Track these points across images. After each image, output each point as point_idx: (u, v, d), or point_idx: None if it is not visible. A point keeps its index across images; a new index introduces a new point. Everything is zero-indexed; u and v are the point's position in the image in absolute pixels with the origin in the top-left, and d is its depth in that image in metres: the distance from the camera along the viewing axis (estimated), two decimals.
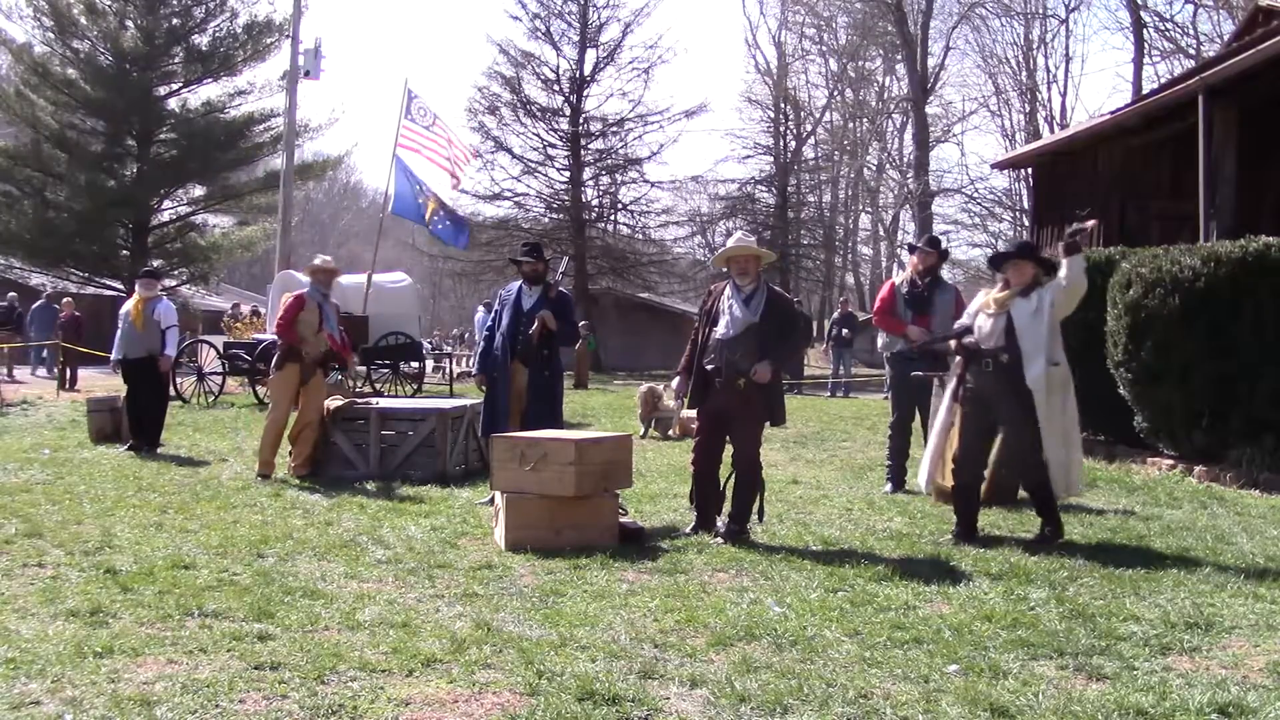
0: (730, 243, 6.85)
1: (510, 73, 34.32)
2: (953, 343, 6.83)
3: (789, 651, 4.25)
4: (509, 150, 34.61)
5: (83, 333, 20.91)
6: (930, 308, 8.45)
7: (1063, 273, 6.42)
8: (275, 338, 9.38)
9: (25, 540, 6.17)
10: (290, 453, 9.03)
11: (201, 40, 31.29)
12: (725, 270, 6.84)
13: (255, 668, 3.98)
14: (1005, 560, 5.88)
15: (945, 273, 9.42)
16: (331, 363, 9.25)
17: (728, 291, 6.65)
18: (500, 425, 7.67)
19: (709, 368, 6.57)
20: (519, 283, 8.04)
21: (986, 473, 6.92)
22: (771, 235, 37.82)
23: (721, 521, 6.59)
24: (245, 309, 21.14)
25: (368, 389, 17.42)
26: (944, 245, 9.71)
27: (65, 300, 22.37)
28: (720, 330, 6.52)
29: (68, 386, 18.47)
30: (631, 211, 36.25)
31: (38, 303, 23.81)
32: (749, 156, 41.55)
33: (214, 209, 32.88)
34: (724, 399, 6.52)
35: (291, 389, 8.99)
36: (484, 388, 8.08)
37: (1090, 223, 6.99)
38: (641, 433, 12.20)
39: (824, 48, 45.81)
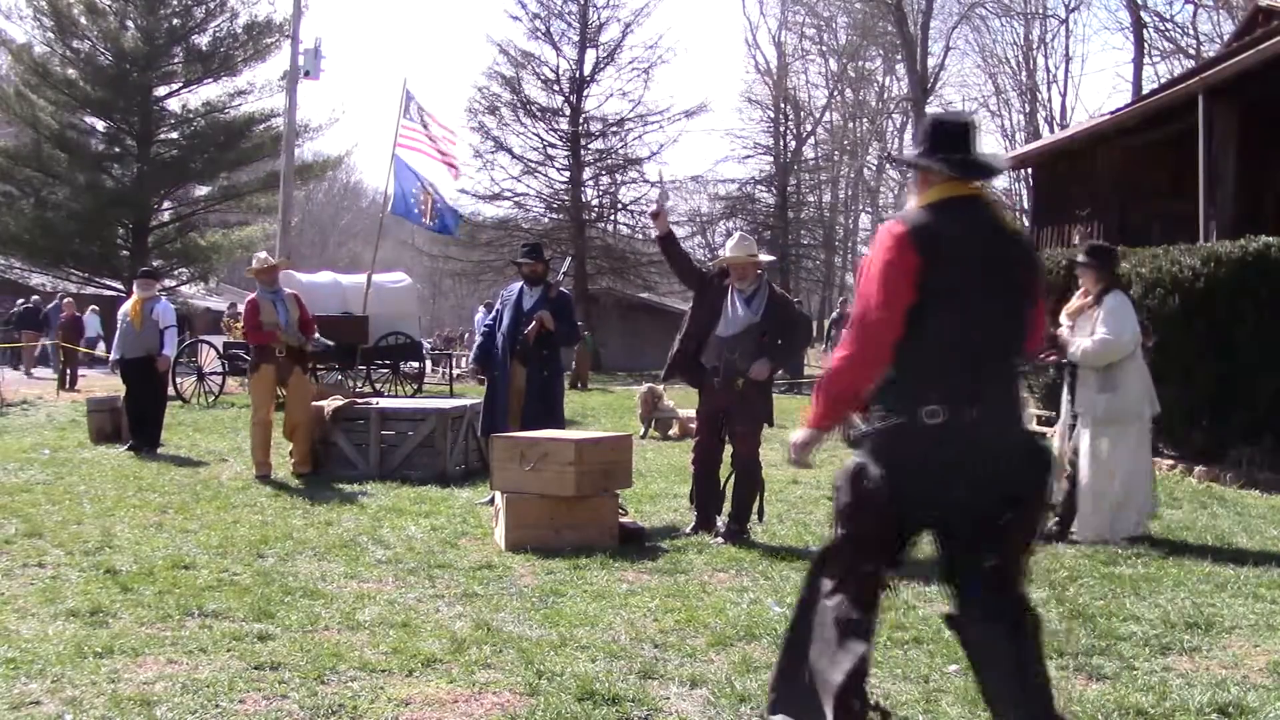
0: (730, 244, 6.82)
1: (510, 73, 34.28)
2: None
3: None
4: (509, 150, 34.55)
5: (82, 332, 20.92)
6: None
7: (1074, 349, 6.43)
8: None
9: (25, 540, 6.17)
10: (290, 452, 9.05)
11: (201, 40, 31.30)
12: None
13: (255, 668, 3.98)
14: None
15: None
16: (310, 361, 9.20)
17: (730, 291, 6.63)
18: (499, 425, 7.69)
19: (707, 366, 6.55)
20: (520, 283, 8.05)
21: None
22: (771, 235, 37.77)
23: (721, 521, 6.58)
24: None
25: (368, 389, 17.42)
26: None
27: (66, 300, 22.37)
28: (720, 329, 6.50)
29: (67, 386, 18.46)
30: (631, 211, 36.19)
31: (52, 303, 23.99)
32: (749, 156, 41.53)
33: (214, 209, 32.88)
34: (723, 399, 6.51)
35: (268, 389, 9.00)
36: (481, 380, 8.12)
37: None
38: (641, 433, 12.20)
39: (824, 48, 45.82)
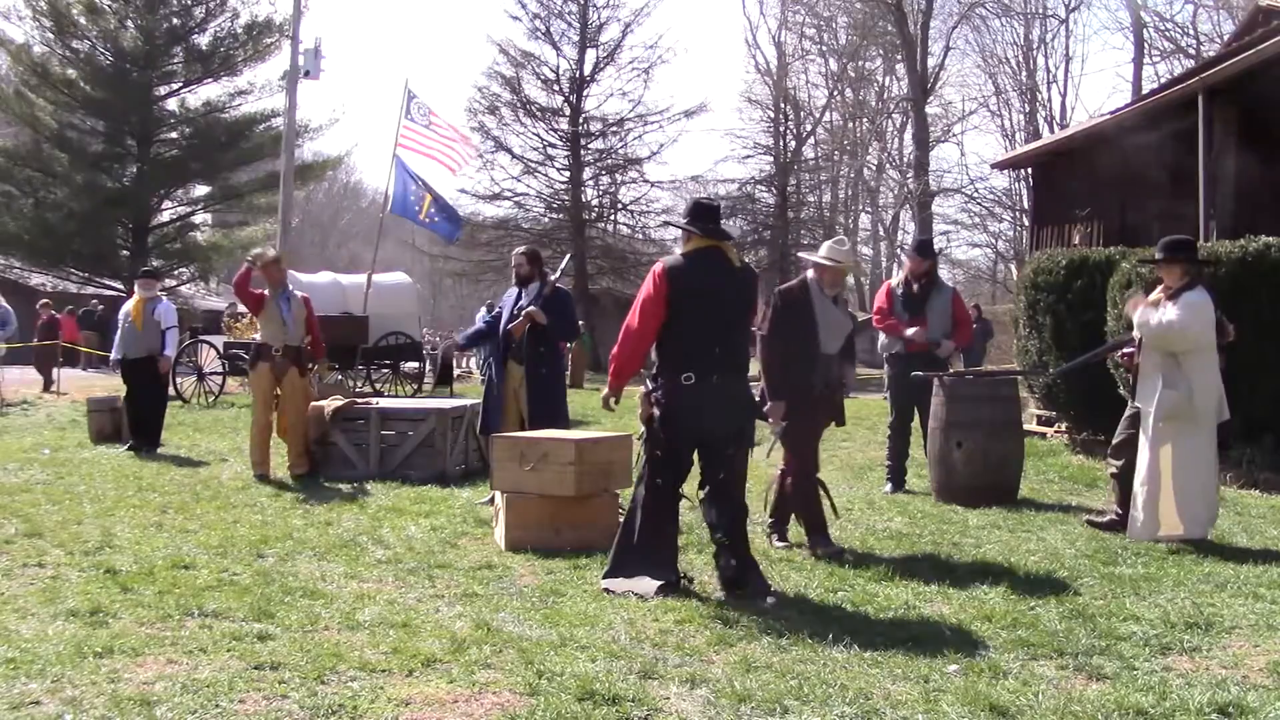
0: (828, 247, 6.41)
1: (510, 73, 34.26)
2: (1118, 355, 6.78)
3: (789, 651, 4.25)
4: (509, 150, 34.53)
5: (60, 334, 20.58)
6: (925, 308, 8.44)
7: (1149, 319, 6.30)
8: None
9: (25, 540, 6.17)
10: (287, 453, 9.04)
11: (201, 40, 31.34)
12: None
13: (255, 668, 3.97)
14: (1005, 560, 5.88)
15: (944, 273, 9.43)
16: (309, 361, 9.12)
17: (817, 300, 6.20)
18: (494, 424, 7.69)
19: (814, 384, 6.14)
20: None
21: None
22: (771, 235, 37.75)
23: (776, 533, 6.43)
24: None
25: (368, 389, 17.43)
26: (936, 249, 9.62)
27: (42, 303, 22.00)
28: (825, 344, 6.14)
29: (49, 388, 18.09)
30: (631, 211, 36.20)
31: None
32: (749, 156, 41.41)
33: (214, 209, 32.89)
34: (825, 412, 6.29)
35: (266, 388, 8.94)
36: (462, 350, 8.25)
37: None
38: (642, 433, 12.15)
39: (824, 48, 45.73)
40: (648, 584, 5.07)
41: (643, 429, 5.33)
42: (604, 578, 5.24)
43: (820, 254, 6.34)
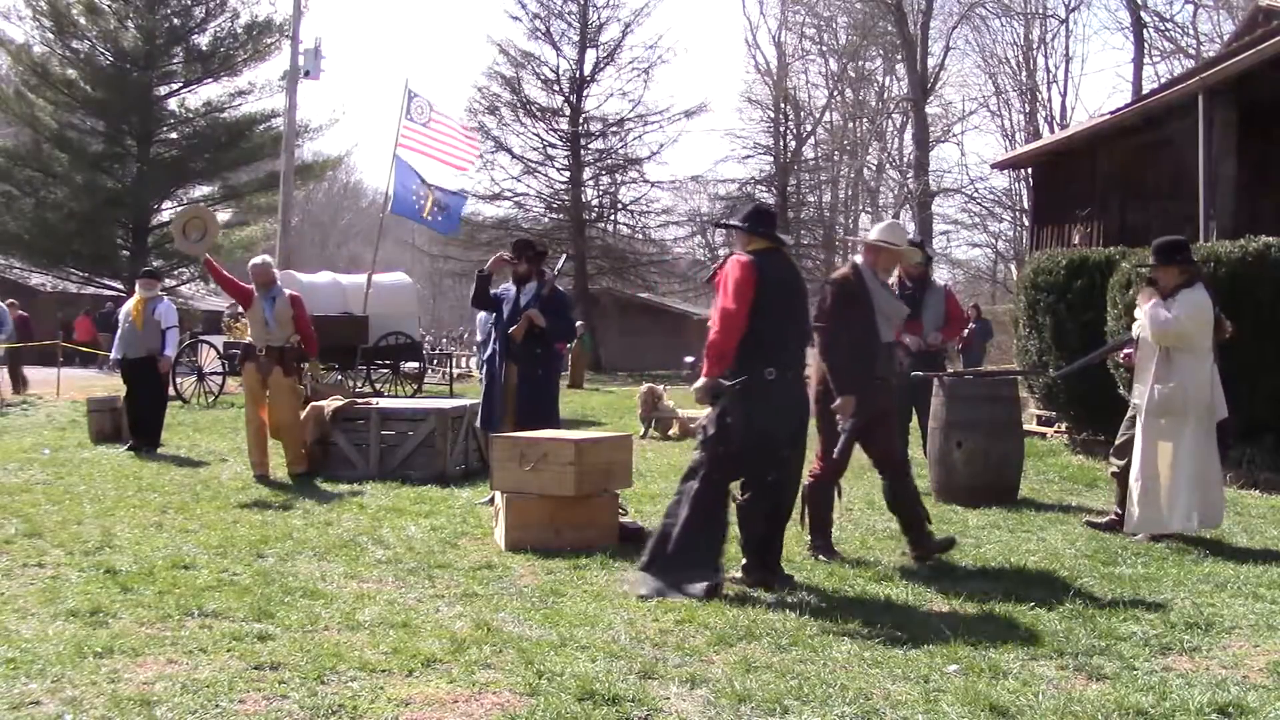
0: (880, 229, 6.19)
1: (510, 73, 34.31)
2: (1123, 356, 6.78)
3: (789, 651, 4.25)
4: (509, 150, 34.59)
5: (31, 334, 20.37)
6: (919, 310, 8.38)
7: (1157, 312, 6.26)
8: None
9: (25, 540, 6.17)
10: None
11: (201, 40, 31.39)
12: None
13: (255, 668, 3.98)
14: (1005, 560, 5.88)
15: (945, 273, 9.41)
16: (296, 361, 9.02)
17: (874, 286, 5.90)
18: (495, 420, 7.69)
19: (880, 376, 5.84)
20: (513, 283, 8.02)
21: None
22: None
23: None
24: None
25: (367, 389, 17.43)
26: (929, 253, 9.56)
27: (9, 302, 21.85)
28: (884, 332, 5.86)
29: (16, 389, 17.81)
30: (631, 211, 36.23)
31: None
32: (749, 156, 41.40)
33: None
34: (885, 401, 5.93)
35: (255, 388, 8.90)
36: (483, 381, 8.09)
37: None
38: (641, 433, 12.19)
39: (824, 48, 45.72)
40: (696, 586, 5.04)
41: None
42: (639, 569, 5.25)
43: (874, 235, 6.07)
